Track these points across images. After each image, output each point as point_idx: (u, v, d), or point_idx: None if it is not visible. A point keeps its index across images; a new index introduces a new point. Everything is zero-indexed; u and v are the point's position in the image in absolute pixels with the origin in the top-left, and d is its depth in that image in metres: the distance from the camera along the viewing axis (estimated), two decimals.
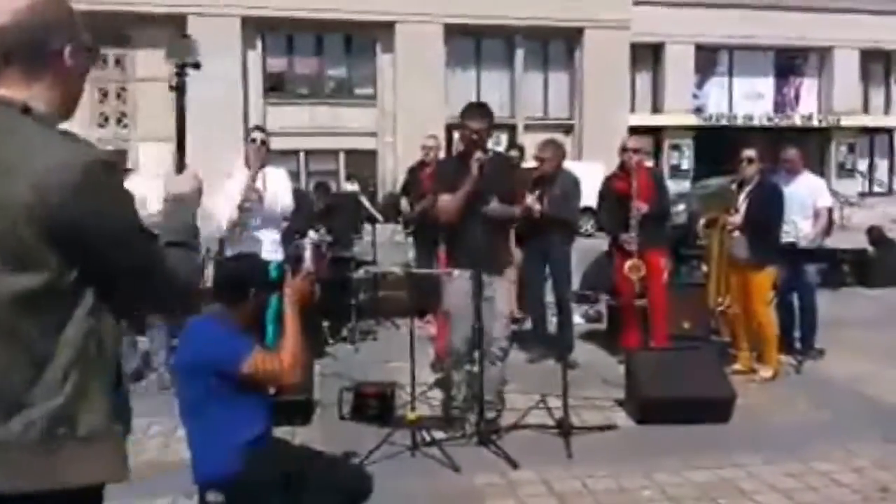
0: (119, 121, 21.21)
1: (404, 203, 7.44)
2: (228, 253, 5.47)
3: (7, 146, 1.39)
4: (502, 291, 4.48)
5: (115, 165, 1.49)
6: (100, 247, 1.44)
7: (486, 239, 4.29)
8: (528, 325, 6.59)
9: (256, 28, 21.31)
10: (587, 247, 7.66)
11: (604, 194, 6.16)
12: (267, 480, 2.76)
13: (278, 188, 5.38)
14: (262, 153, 5.36)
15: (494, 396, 4.52)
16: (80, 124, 20.69)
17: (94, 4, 19.41)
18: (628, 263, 5.74)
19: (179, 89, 2.11)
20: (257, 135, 5.46)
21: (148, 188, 5.33)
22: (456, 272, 4.33)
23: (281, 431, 4.40)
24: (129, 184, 6.09)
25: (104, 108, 21.31)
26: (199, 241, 1.87)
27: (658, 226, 5.97)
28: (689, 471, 3.88)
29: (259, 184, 5.25)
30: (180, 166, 2.01)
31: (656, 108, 25.65)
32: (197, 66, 2.08)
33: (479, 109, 4.49)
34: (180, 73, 2.15)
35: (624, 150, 5.94)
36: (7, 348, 1.40)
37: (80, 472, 1.45)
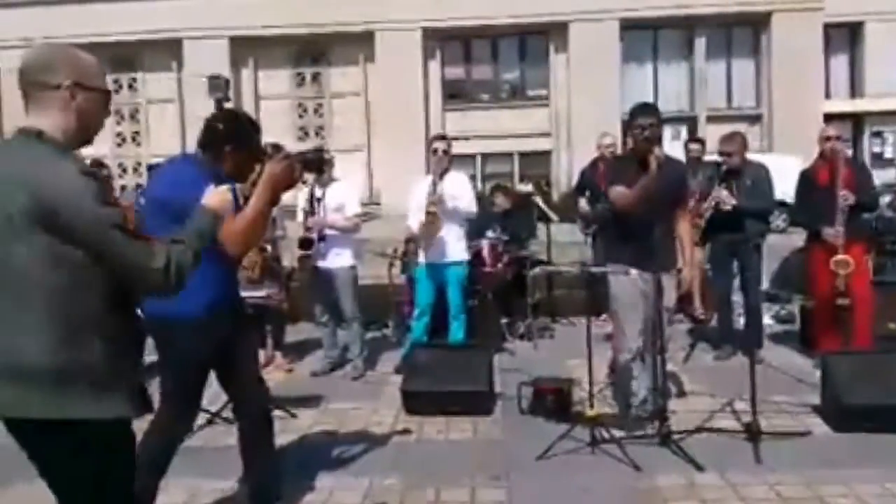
0: (317, 134, 22.72)
1: (583, 203, 7.42)
2: (421, 256, 5.81)
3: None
4: (670, 289, 4.42)
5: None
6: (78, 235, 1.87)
7: (659, 238, 4.28)
8: (713, 324, 6.36)
9: (436, 38, 22.06)
10: (778, 243, 7.24)
11: (802, 187, 5.82)
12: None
13: (461, 192, 5.64)
14: (443, 162, 5.67)
15: (675, 396, 4.43)
16: (282, 139, 22.41)
17: (293, 28, 21.10)
18: (836, 258, 5.35)
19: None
20: (438, 145, 5.79)
21: (344, 195, 5.78)
22: (633, 271, 4.30)
23: (461, 420, 4.64)
24: (331, 191, 6.56)
25: (304, 123, 22.90)
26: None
27: (860, 218, 5.58)
28: (893, 483, 3.59)
29: (440, 189, 5.54)
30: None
31: (855, 93, 23.50)
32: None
33: (645, 108, 4.54)
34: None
35: (826, 138, 5.60)
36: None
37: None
